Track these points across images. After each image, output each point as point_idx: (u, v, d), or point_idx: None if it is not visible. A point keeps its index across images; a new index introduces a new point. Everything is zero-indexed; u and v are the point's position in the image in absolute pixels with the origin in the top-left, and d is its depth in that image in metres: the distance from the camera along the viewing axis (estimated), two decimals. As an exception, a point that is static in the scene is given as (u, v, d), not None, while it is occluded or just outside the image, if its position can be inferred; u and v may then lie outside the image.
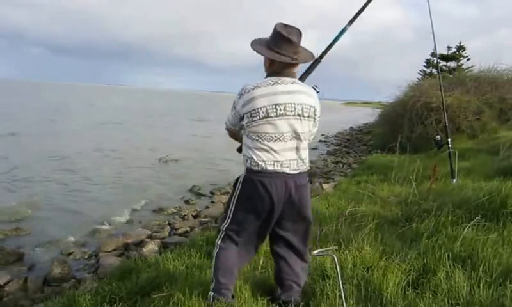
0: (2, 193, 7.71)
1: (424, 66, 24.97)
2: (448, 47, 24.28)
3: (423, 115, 10.65)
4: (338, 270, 2.13)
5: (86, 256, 5.13)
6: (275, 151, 1.99)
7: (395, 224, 3.76)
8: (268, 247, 2.89)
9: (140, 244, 5.42)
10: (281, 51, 1.97)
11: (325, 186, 7.89)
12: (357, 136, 21.74)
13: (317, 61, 2.54)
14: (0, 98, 38.26)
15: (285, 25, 2.00)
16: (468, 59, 23.77)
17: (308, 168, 2.15)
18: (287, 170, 2.02)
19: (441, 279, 2.45)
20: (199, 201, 8.08)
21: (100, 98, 60.69)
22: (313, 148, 17.05)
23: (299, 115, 2.00)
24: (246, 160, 2.05)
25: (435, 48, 6.43)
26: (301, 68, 2.20)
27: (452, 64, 24.43)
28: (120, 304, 2.54)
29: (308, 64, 2.47)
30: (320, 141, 20.19)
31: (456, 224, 3.32)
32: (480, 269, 2.53)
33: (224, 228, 2.14)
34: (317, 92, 2.16)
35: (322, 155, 15.15)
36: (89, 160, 11.71)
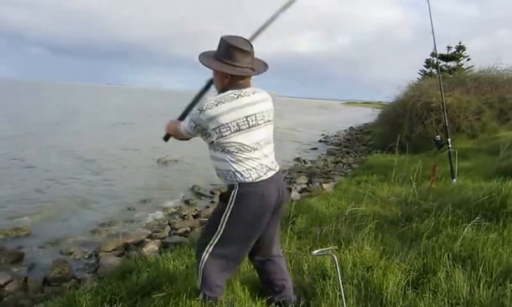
0: (3, 193, 7.71)
1: (424, 66, 25.03)
2: (448, 47, 24.33)
3: (423, 115, 10.65)
4: (338, 270, 2.14)
5: (86, 256, 5.13)
6: (258, 158, 2.01)
7: (395, 224, 3.76)
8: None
9: (140, 243, 5.42)
10: (238, 64, 1.95)
11: (325, 186, 7.90)
12: (357, 136, 21.73)
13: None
14: (4, 98, 38.20)
15: (235, 37, 1.99)
16: (468, 59, 23.83)
17: None
18: (273, 173, 2.07)
19: (441, 279, 2.45)
20: (199, 201, 8.08)
21: (102, 98, 60.68)
22: (313, 148, 17.07)
23: (268, 121, 2.07)
24: (233, 174, 1.99)
25: (435, 48, 6.44)
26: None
27: (452, 64, 24.46)
28: (120, 303, 2.54)
29: None
30: (320, 141, 20.20)
31: (456, 224, 3.33)
32: (480, 269, 2.53)
33: (213, 243, 2.09)
34: None
35: (322, 155, 15.14)
36: (90, 160, 11.71)
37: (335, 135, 22.67)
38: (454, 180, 5.25)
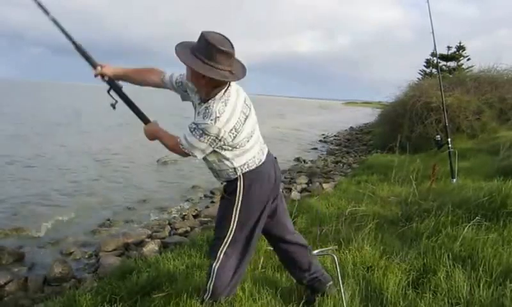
0: (3, 193, 7.71)
1: (424, 66, 25.01)
2: (448, 47, 24.31)
3: (423, 115, 10.65)
4: (338, 269, 2.14)
5: (86, 256, 5.12)
6: (255, 144, 2.06)
7: (395, 224, 3.76)
8: (267, 247, 2.90)
9: (140, 243, 5.41)
10: (219, 66, 1.84)
11: (325, 186, 7.89)
12: (357, 136, 21.73)
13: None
14: (5, 98, 38.14)
15: (216, 35, 1.87)
16: (468, 59, 23.81)
17: None
18: (266, 152, 2.14)
19: (442, 278, 2.45)
20: (199, 201, 8.07)
21: (102, 98, 60.66)
22: (313, 148, 17.08)
23: (250, 104, 2.05)
24: (238, 168, 2.01)
25: (435, 48, 6.44)
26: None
27: (452, 64, 24.44)
28: (120, 303, 2.54)
29: None
30: (320, 140, 20.20)
31: (456, 224, 3.33)
32: (480, 269, 2.53)
33: (228, 240, 2.08)
34: None
35: (322, 154, 15.14)
36: (90, 160, 11.71)
37: (335, 135, 22.68)
38: (454, 180, 5.25)
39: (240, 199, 2.04)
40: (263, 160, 2.09)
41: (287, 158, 13.21)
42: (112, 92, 2.25)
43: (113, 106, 2.26)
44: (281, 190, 2.29)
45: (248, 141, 2.01)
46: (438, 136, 6.22)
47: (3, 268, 4.57)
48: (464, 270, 2.56)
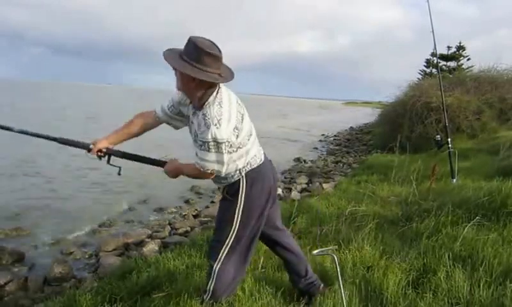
0: (3, 192, 7.71)
1: (424, 66, 25.01)
2: (448, 47, 24.32)
3: (423, 115, 10.65)
4: (338, 269, 2.14)
5: (87, 256, 5.12)
6: (254, 143, 2.07)
7: (395, 224, 3.76)
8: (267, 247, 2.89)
9: (140, 243, 5.42)
10: (208, 69, 1.84)
11: (325, 186, 7.90)
12: (357, 136, 21.74)
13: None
14: (5, 98, 38.11)
15: (204, 39, 1.88)
16: (468, 59, 23.81)
17: None
18: (264, 156, 2.16)
19: (442, 278, 2.45)
20: (199, 200, 8.07)
21: (102, 98, 60.67)
22: (313, 148, 17.08)
23: (244, 108, 2.04)
24: (241, 170, 2.02)
25: (435, 48, 6.45)
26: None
27: (452, 64, 24.44)
28: (120, 303, 2.54)
29: None
30: (320, 140, 20.21)
31: (456, 223, 3.33)
32: (481, 269, 2.53)
33: (230, 241, 2.07)
34: None
35: (322, 154, 15.14)
36: (90, 159, 11.68)
37: (335, 135, 22.69)
38: (454, 180, 5.25)
39: (243, 199, 2.05)
40: (263, 160, 2.11)
41: (287, 158, 13.21)
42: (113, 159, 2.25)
43: (119, 173, 2.27)
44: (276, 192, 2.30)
45: (249, 140, 2.02)
46: (438, 136, 6.22)
47: (3, 268, 4.57)
48: (464, 270, 2.56)
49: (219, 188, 2.25)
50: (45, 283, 4.28)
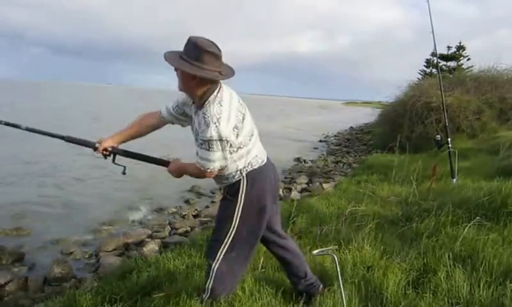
0: (3, 192, 7.71)
1: (424, 65, 25.02)
2: (448, 47, 24.32)
3: (423, 115, 10.66)
4: (338, 269, 2.14)
5: (87, 256, 5.12)
6: (255, 143, 2.06)
7: (396, 224, 3.76)
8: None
9: (140, 243, 5.42)
10: (207, 67, 1.86)
11: (325, 186, 7.90)
12: (357, 136, 21.75)
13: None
14: (5, 98, 38.10)
15: (203, 39, 1.89)
16: (468, 59, 23.82)
17: None
18: (266, 157, 2.15)
19: (442, 278, 2.45)
20: (199, 200, 8.07)
21: (102, 98, 60.67)
22: (313, 148, 17.09)
23: (246, 108, 2.04)
24: (242, 170, 2.01)
25: (435, 48, 6.45)
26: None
27: (452, 64, 24.45)
28: (121, 303, 2.54)
29: None
30: (320, 140, 20.20)
31: (456, 223, 3.33)
32: (481, 269, 2.53)
33: (228, 241, 2.07)
34: None
35: (322, 154, 15.14)
36: (91, 159, 11.70)
37: (335, 135, 22.69)
38: (454, 180, 5.25)
39: (243, 198, 2.04)
40: (265, 161, 2.11)
41: (287, 158, 13.21)
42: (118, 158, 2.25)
43: (123, 172, 2.26)
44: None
45: (250, 140, 2.01)
46: (438, 136, 6.22)
47: (3, 268, 4.57)
48: (464, 270, 2.56)
49: (220, 188, 2.25)
50: (45, 283, 4.28)
